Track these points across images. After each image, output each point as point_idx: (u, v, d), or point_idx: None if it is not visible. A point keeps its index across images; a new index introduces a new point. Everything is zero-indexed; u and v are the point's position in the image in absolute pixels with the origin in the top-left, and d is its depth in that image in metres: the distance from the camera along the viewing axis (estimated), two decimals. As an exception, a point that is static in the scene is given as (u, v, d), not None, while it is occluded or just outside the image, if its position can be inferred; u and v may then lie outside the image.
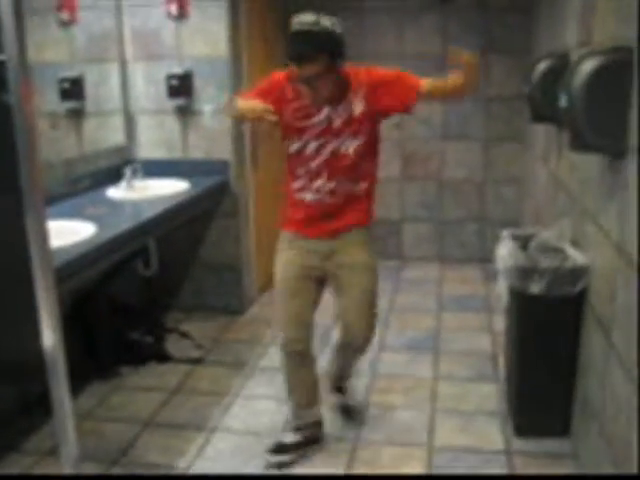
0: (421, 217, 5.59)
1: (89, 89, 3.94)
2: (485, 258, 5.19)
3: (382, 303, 4.66)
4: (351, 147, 2.68)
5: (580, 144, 2.32)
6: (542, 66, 3.29)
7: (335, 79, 2.58)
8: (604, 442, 2.38)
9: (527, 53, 4.95)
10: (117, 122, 4.28)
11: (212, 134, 4.29)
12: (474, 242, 5.53)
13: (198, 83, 4.23)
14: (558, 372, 2.92)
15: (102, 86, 4.15)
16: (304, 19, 2.49)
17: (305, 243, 2.82)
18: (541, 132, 4.29)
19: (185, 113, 4.29)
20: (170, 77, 4.20)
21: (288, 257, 2.83)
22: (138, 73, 4.29)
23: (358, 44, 5.34)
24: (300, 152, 2.72)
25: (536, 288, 2.78)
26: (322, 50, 2.47)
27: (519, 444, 3.00)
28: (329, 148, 2.68)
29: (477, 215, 5.51)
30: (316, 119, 2.66)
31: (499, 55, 5.18)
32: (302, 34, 2.48)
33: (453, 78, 2.72)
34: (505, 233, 3.21)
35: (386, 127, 5.36)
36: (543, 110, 3.30)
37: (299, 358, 2.88)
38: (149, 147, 4.37)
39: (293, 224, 2.84)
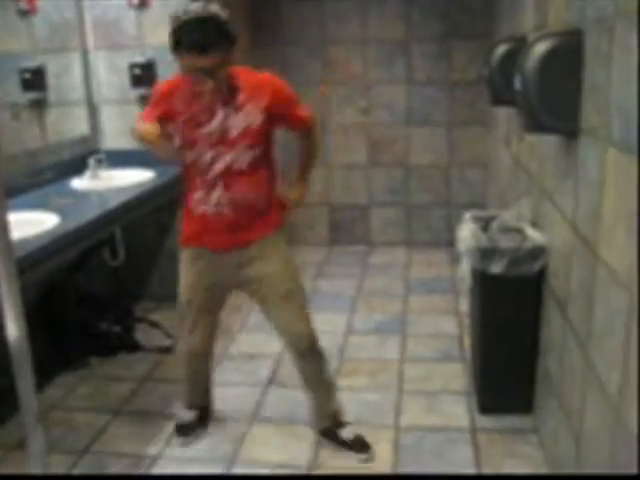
0: (388, 202, 5.64)
1: (51, 79, 3.90)
2: (452, 241, 5.21)
3: (350, 288, 4.74)
4: (247, 160, 2.56)
5: (534, 125, 2.36)
6: (501, 49, 3.33)
7: (227, 77, 2.45)
8: (563, 415, 2.45)
9: (489, 38, 5.00)
10: (80, 112, 4.25)
11: (177, 123, 4.28)
12: (441, 226, 5.59)
13: (161, 71, 4.21)
14: (520, 350, 2.99)
15: (64, 76, 4.12)
16: (194, 7, 2.30)
17: (208, 258, 2.71)
18: (503, 115, 4.35)
19: (148, 102, 4.27)
20: (133, 66, 4.18)
21: (193, 276, 2.75)
22: (100, 63, 4.27)
23: (319, 30, 5.37)
24: (195, 163, 2.59)
25: (497, 268, 2.84)
26: (223, 38, 2.34)
27: (484, 421, 3.06)
28: (223, 160, 2.55)
29: (443, 199, 5.57)
30: (208, 128, 2.52)
31: (461, 40, 5.22)
32: (199, 22, 2.30)
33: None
34: (467, 215, 3.26)
35: (353, 112, 5.45)
36: (502, 93, 3.34)
37: (201, 357, 2.99)
38: (113, 137, 4.35)
39: (195, 239, 2.71)
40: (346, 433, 2.90)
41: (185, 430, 3.03)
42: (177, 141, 2.59)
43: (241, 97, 2.50)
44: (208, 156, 2.55)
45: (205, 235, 2.68)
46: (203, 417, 3.11)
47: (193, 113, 2.52)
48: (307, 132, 2.83)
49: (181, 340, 3.02)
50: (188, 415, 3.07)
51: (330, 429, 2.93)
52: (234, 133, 2.52)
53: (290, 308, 2.75)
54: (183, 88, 2.53)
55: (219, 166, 2.56)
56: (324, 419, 2.95)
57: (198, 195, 2.63)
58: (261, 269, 2.70)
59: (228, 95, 2.49)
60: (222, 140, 2.53)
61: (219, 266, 2.71)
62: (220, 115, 2.51)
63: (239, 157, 2.55)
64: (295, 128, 2.79)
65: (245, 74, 2.56)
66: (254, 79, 2.56)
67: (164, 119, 2.54)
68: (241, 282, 2.75)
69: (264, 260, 2.70)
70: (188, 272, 2.76)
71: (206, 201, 2.61)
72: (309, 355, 2.82)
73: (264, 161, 2.65)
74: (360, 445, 2.86)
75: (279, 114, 2.60)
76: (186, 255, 2.76)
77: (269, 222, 2.72)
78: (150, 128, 2.48)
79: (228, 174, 2.57)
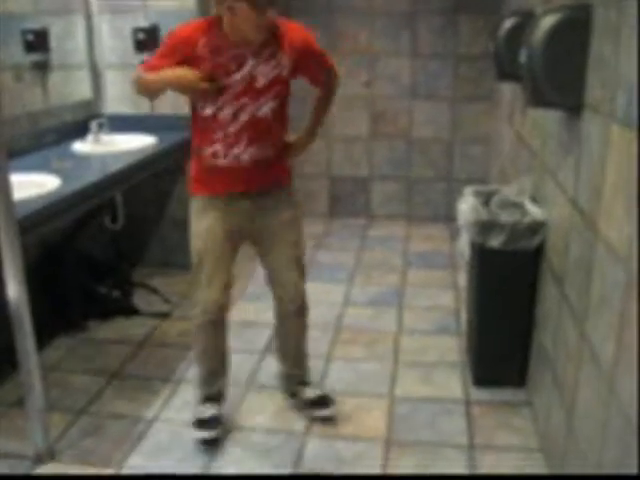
0: (389, 175, 5.63)
1: (54, 41, 3.87)
2: (452, 216, 5.21)
3: (348, 260, 4.76)
4: (270, 110, 2.55)
5: (538, 100, 2.36)
6: (507, 24, 3.30)
7: (269, 22, 2.43)
8: (556, 389, 2.48)
9: (496, 12, 4.95)
10: (83, 76, 4.23)
11: (179, 89, 4.26)
12: (441, 200, 5.59)
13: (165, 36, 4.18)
14: (516, 324, 3.01)
15: (67, 39, 4.09)
16: None
17: (222, 204, 2.64)
18: (507, 91, 4.34)
19: (162, 47, 4.25)
20: (136, 31, 4.15)
21: (208, 223, 2.64)
22: (104, 26, 4.24)
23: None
24: (215, 115, 2.52)
25: (496, 242, 2.85)
26: None
27: (477, 394, 3.09)
28: (248, 111, 2.51)
29: (445, 174, 5.56)
30: (236, 76, 2.46)
31: (468, 14, 5.18)
32: None
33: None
34: (467, 189, 3.26)
35: (356, 84, 5.42)
36: (508, 68, 3.32)
37: (217, 325, 2.76)
38: (116, 102, 4.33)
39: (208, 187, 2.65)
40: (309, 392, 2.94)
41: (208, 425, 2.75)
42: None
43: (272, 46, 2.49)
44: (231, 108, 2.50)
45: (220, 184, 2.63)
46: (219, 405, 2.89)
47: (220, 62, 2.45)
48: (329, 85, 2.82)
49: (195, 305, 2.76)
50: (209, 410, 2.79)
51: (297, 390, 2.98)
52: (261, 82, 2.49)
53: (295, 261, 2.78)
54: (210, 35, 2.46)
55: (243, 118, 2.52)
56: (295, 382, 3.00)
57: (214, 148, 2.57)
58: (274, 219, 2.70)
59: (259, 45, 2.46)
60: (247, 90, 2.49)
61: (234, 212, 2.65)
62: (249, 64, 2.47)
63: (263, 107, 2.53)
64: (319, 80, 2.76)
65: (280, 23, 2.52)
66: (284, 28, 2.53)
67: (184, 66, 2.46)
68: (252, 231, 2.72)
69: (278, 210, 2.71)
70: (203, 220, 2.65)
71: (225, 154, 2.57)
72: (300, 314, 2.87)
73: (283, 112, 2.66)
74: (324, 401, 2.91)
75: (305, 65, 2.61)
76: (199, 204, 2.67)
77: (283, 171, 2.75)
78: (187, 71, 2.43)
79: (252, 126, 2.53)
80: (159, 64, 2.49)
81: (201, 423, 2.75)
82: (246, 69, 2.47)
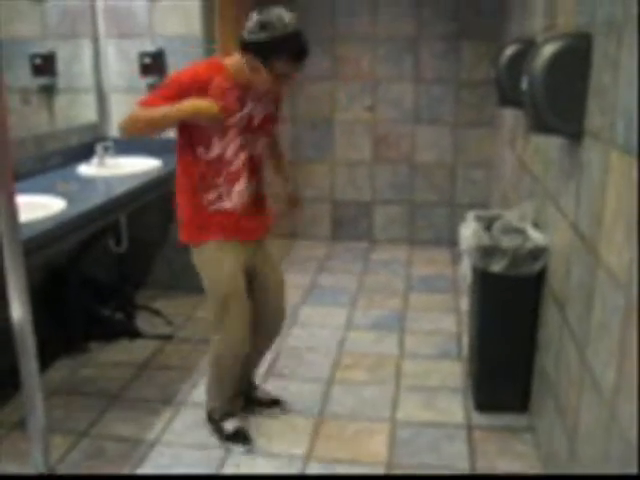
0: (392, 199, 5.66)
1: (61, 65, 3.93)
2: (454, 241, 5.25)
3: (351, 283, 4.77)
4: (261, 146, 2.74)
5: (540, 126, 2.38)
6: (509, 51, 3.34)
7: None
8: (558, 414, 2.48)
9: (498, 39, 5.02)
10: (89, 99, 4.28)
11: (184, 113, 4.30)
12: (444, 225, 5.61)
13: (171, 62, 4.24)
14: (518, 349, 3.01)
15: (74, 63, 4.14)
16: (290, 18, 2.51)
17: (235, 246, 2.73)
18: (509, 117, 4.37)
19: (171, 83, 4.29)
20: (143, 55, 4.20)
21: (230, 268, 2.71)
22: (110, 50, 4.29)
23: (329, 25, 5.39)
24: (221, 156, 2.61)
25: (498, 267, 2.86)
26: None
27: (479, 419, 3.09)
28: (246, 150, 2.65)
29: (447, 198, 5.59)
30: (240, 115, 2.59)
31: (471, 40, 5.24)
32: (301, 33, 2.52)
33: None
34: (469, 214, 3.28)
35: (359, 109, 5.47)
36: (509, 94, 3.36)
37: (243, 357, 2.87)
38: (121, 125, 4.37)
39: (218, 232, 2.69)
40: (260, 393, 3.19)
41: (243, 436, 2.90)
42: (194, 137, 2.61)
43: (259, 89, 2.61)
44: (233, 147, 2.61)
45: (230, 227, 2.70)
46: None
47: (227, 102, 2.54)
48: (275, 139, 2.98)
49: (221, 342, 2.81)
50: (234, 424, 2.93)
51: (252, 385, 3.21)
52: (256, 121, 2.65)
53: (284, 288, 2.99)
54: (221, 76, 2.55)
55: (242, 157, 2.64)
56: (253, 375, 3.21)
57: (218, 191, 2.65)
58: (267, 252, 2.95)
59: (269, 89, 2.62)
60: (246, 129, 2.63)
61: (243, 252, 2.77)
62: (249, 105, 2.62)
63: (258, 145, 2.71)
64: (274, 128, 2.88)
65: None
66: None
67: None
68: (253, 266, 2.85)
69: (267, 245, 2.96)
70: (221, 264, 2.71)
71: (227, 195, 2.67)
72: (279, 331, 3.06)
73: (269, 149, 2.90)
74: (272, 402, 3.16)
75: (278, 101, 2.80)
76: (211, 249, 2.71)
77: (270, 211, 2.93)
78: (201, 100, 2.48)
79: (250, 164, 2.69)
80: (170, 97, 2.52)
81: (229, 437, 2.90)
82: (246, 110, 2.61)
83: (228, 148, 2.61)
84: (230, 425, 2.92)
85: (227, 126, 2.57)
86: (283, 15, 2.48)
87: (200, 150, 2.62)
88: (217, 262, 2.71)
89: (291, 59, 2.47)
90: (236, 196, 2.67)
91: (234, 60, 2.57)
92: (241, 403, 3.09)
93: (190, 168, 2.66)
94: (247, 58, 2.49)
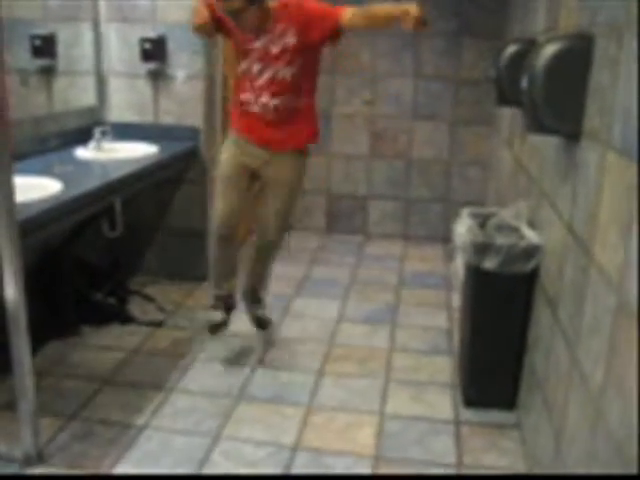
0: (387, 195, 5.67)
1: (61, 48, 3.92)
2: (448, 237, 5.25)
3: (344, 276, 4.78)
4: (288, 74, 3.10)
5: (538, 126, 2.39)
6: (510, 50, 3.35)
7: (257, 13, 2.97)
8: (545, 412, 2.50)
9: (500, 38, 5.02)
10: (88, 83, 4.27)
11: (184, 100, 4.30)
12: (438, 221, 5.63)
13: (171, 48, 4.24)
14: (508, 346, 3.03)
15: (74, 45, 4.13)
16: None
17: (245, 145, 3.27)
18: (507, 116, 4.39)
19: (157, 77, 4.30)
20: (143, 40, 4.19)
21: (230, 154, 3.29)
22: (111, 35, 4.28)
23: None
24: (247, 71, 3.14)
25: (491, 264, 2.88)
26: None
27: (467, 414, 3.11)
28: (269, 71, 3.09)
29: (442, 195, 5.61)
30: (256, 44, 3.07)
31: (472, 38, 5.25)
32: None
33: (388, 9, 3.04)
34: (464, 211, 3.29)
35: (358, 103, 5.47)
36: (509, 93, 3.37)
37: (227, 241, 3.34)
38: (120, 110, 4.37)
39: (238, 127, 3.28)
40: (258, 310, 3.68)
41: (216, 328, 3.46)
42: (234, 49, 3.23)
43: (274, 25, 3.04)
44: (256, 67, 3.11)
45: (247, 128, 3.25)
46: (228, 312, 3.52)
47: (239, 35, 3.10)
48: (351, 19, 3.05)
49: (213, 221, 3.38)
50: (217, 316, 3.44)
51: (257, 299, 3.67)
52: (274, 51, 3.07)
53: (277, 214, 3.35)
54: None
55: (266, 76, 3.11)
56: (257, 289, 3.65)
57: (246, 96, 3.19)
58: (279, 173, 3.29)
59: (261, 28, 3.04)
60: (265, 56, 3.08)
61: (250, 153, 3.27)
62: (261, 40, 3.07)
63: (280, 71, 3.09)
64: (335, 29, 3.08)
65: (277, 4, 3.06)
66: (283, 5, 3.06)
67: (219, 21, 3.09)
68: (259, 172, 3.32)
69: (285, 168, 3.29)
70: (225, 152, 3.33)
71: (254, 102, 3.17)
72: (270, 250, 3.51)
73: (305, 76, 3.17)
74: (262, 323, 3.69)
75: (313, 28, 3.05)
76: (227, 141, 3.36)
77: (302, 136, 3.30)
78: (204, 12, 2.99)
79: (273, 84, 3.11)
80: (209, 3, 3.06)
81: (212, 327, 3.46)
82: (259, 42, 3.07)
83: (252, 67, 3.12)
84: (215, 317, 3.46)
85: (247, 49, 3.10)
86: None
87: (238, 60, 3.20)
88: (225, 148, 3.35)
89: None
90: (261, 106, 3.16)
91: None
92: (228, 290, 3.51)
93: (238, 72, 3.22)
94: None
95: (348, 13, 3.01)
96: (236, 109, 3.30)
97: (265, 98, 3.13)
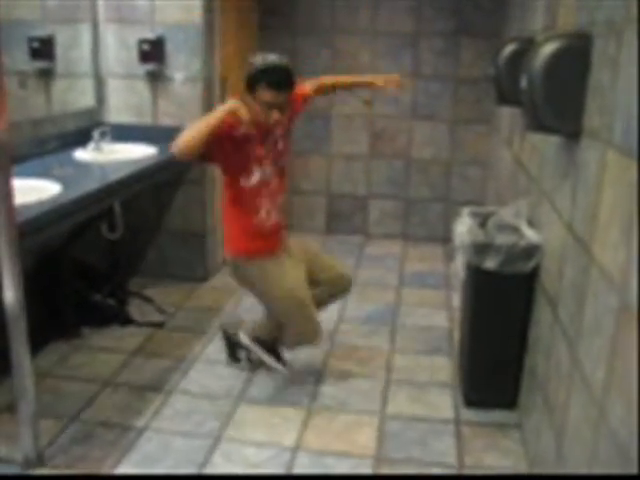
0: (387, 194, 5.67)
1: (59, 49, 3.91)
2: (448, 237, 5.27)
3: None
4: (284, 163, 3.09)
5: (538, 125, 2.39)
6: (508, 49, 3.34)
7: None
8: (546, 411, 2.49)
9: (498, 37, 5.02)
10: (87, 84, 4.26)
11: (182, 101, 4.30)
12: (438, 221, 5.62)
13: (170, 49, 4.23)
14: (509, 346, 3.03)
15: (73, 47, 4.12)
16: (276, 57, 2.84)
17: (280, 257, 3.10)
18: (506, 115, 4.38)
19: (156, 79, 4.29)
20: (142, 42, 4.19)
21: (291, 271, 3.06)
22: (110, 36, 4.27)
23: (330, 19, 5.39)
24: (261, 182, 2.97)
25: (491, 264, 2.87)
26: (291, 82, 2.86)
27: (468, 414, 3.10)
28: (277, 168, 3.03)
29: (442, 194, 5.60)
30: (264, 147, 2.96)
31: (470, 37, 5.24)
32: (282, 68, 2.82)
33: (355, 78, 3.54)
34: (464, 211, 3.29)
35: (357, 103, 5.47)
36: (508, 92, 3.36)
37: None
38: (119, 111, 4.37)
39: (265, 248, 3.05)
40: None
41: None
42: (235, 168, 2.95)
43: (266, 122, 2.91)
44: (269, 171, 2.99)
45: (270, 243, 3.08)
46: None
47: (252, 134, 2.90)
48: (317, 90, 3.30)
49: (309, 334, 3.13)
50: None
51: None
52: (280, 144, 3.03)
53: (328, 257, 3.36)
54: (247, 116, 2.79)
55: (276, 176, 3.03)
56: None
57: (261, 215, 3.01)
58: (293, 247, 3.23)
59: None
60: (277, 154, 3.02)
61: (287, 260, 3.13)
62: (268, 140, 2.97)
63: (279, 162, 3.04)
64: (305, 100, 3.23)
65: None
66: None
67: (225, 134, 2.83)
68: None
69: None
70: (284, 272, 3.05)
71: (270, 214, 3.02)
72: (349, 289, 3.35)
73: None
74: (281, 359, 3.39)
75: (292, 109, 3.07)
76: (263, 263, 3.05)
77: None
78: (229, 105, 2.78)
79: (278, 181, 3.05)
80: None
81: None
82: (267, 143, 2.97)
83: (266, 172, 2.98)
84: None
85: (259, 157, 2.94)
86: (269, 55, 2.86)
87: (240, 180, 2.95)
88: (278, 271, 3.04)
89: (269, 87, 2.77)
90: (275, 212, 3.05)
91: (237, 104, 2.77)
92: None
93: (231, 197, 3.02)
94: (243, 96, 2.85)
95: (310, 88, 3.26)
96: (244, 232, 3.05)
97: (269, 202, 3.02)
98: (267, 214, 3.01)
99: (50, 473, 2.59)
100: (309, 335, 3.11)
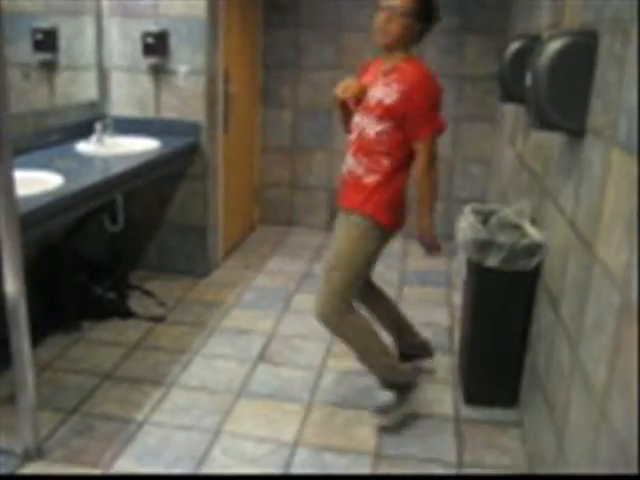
0: (389, 191, 5.64)
1: (63, 42, 3.90)
2: (449, 235, 5.24)
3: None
4: (373, 131, 2.79)
5: (542, 122, 2.38)
6: (514, 46, 3.34)
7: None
8: (547, 410, 2.49)
9: (503, 34, 5.00)
10: (90, 77, 4.25)
11: (186, 95, 4.29)
12: (440, 219, 5.58)
13: (174, 43, 4.22)
14: (510, 344, 3.02)
15: (76, 39, 4.11)
16: None
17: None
18: (510, 112, 4.37)
19: (159, 72, 4.28)
20: (146, 35, 4.18)
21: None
22: (113, 29, 4.27)
23: (335, 15, 5.37)
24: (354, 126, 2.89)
25: (493, 261, 2.86)
26: None
27: (468, 412, 3.10)
28: (360, 125, 2.84)
29: (444, 193, 5.58)
30: (368, 94, 2.82)
31: (474, 35, 5.23)
32: None
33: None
34: (467, 208, 3.28)
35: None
36: (512, 90, 3.36)
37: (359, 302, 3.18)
38: (121, 104, 4.36)
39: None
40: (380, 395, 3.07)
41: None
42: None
43: (392, 73, 2.79)
44: (357, 119, 2.87)
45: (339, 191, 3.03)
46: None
47: (370, 74, 2.92)
48: (418, 150, 2.86)
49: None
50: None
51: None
52: (371, 102, 2.79)
53: (324, 279, 2.90)
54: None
55: (356, 130, 2.86)
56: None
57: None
58: (336, 232, 3.00)
59: (386, 71, 2.83)
60: (365, 106, 2.82)
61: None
62: (378, 84, 2.81)
63: (367, 126, 2.80)
64: (411, 137, 2.82)
65: (408, 63, 2.84)
66: (409, 67, 2.81)
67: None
68: None
69: (342, 228, 2.95)
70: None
71: (344, 160, 2.96)
72: (323, 327, 2.93)
73: (389, 141, 2.80)
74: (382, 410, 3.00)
75: (406, 111, 2.75)
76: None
77: (367, 203, 2.86)
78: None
79: (359, 139, 2.84)
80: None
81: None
82: (372, 90, 2.81)
83: (356, 120, 2.87)
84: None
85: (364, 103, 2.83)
86: None
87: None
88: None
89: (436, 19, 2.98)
90: (347, 163, 2.92)
91: None
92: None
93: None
94: None
95: (422, 145, 2.86)
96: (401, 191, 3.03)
97: (348, 155, 2.98)
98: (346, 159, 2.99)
99: (49, 467, 2.59)
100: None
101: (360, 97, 2.83)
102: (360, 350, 2.96)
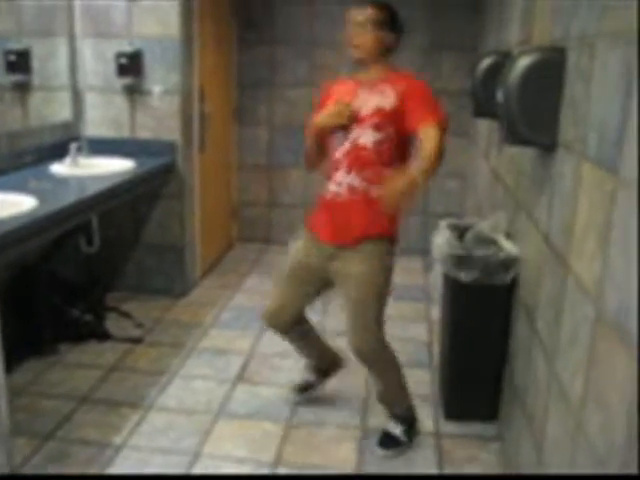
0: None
1: (36, 63, 3.88)
2: (426, 250, 5.24)
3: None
4: (371, 141, 2.67)
5: (514, 137, 2.40)
6: (485, 62, 3.37)
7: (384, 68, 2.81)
8: (526, 423, 2.49)
9: (475, 50, 5.06)
10: (64, 98, 4.24)
11: (160, 115, 4.28)
12: (416, 233, 5.63)
13: (148, 63, 4.22)
14: (488, 359, 3.03)
15: (50, 61, 4.10)
16: None
17: (313, 241, 2.85)
18: (484, 128, 4.41)
19: (134, 92, 4.28)
20: (119, 55, 4.17)
21: (295, 251, 2.90)
22: (87, 50, 4.26)
23: (309, 32, 5.41)
24: (333, 142, 2.79)
25: (469, 276, 2.88)
26: None
27: (448, 427, 3.10)
28: (350, 137, 2.71)
29: (420, 207, 5.61)
30: (356, 105, 2.71)
31: (447, 51, 5.28)
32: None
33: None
34: (442, 223, 3.29)
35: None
36: (485, 106, 3.39)
37: (281, 333, 3.05)
38: (96, 125, 4.34)
39: (311, 222, 2.91)
40: (389, 426, 2.98)
41: (300, 388, 3.26)
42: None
43: (380, 82, 2.72)
44: (341, 134, 2.73)
45: (318, 220, 2.86)
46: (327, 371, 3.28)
47: (340, 93, 2.81)
48: (427, 134, 2.62)
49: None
50: (308, 377, 3.27)
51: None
52: (364, 112, 2.68)
53: (353, 316, 2.78)
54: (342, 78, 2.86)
55: (346, 144, 2.71)
56: (377, 399, 3.05)
57: (332, 177, 2.78)
58: (350, 268, 2.74)
59: (369, 81, 2.76)
60: (356, 117, 2.69)
61: (315, 251, 2.83)
62: (361, 96, 2.72)
63: (362, 136, 2.68)
64: (416, 127, 2.63)
65: (397, 73, 2.78)
66: (400, 74, 2.77)
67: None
68: (328, 273, 2.82)
69: (356, 261, 2.73)
70: (294, 247, 2.92)
71: (329, 182, 2.78)
72: (362, 364, 2.90)
73: (388, 150, 2.70)
74: (384, 441, 2.95)
75: (408, 106, 2.64)
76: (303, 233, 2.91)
77: (377, 222, 2.72)
78: (332, 107, 2.73)
79: (352, 152, 2.70)
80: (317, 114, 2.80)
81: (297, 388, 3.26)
82: (359, 100, 2.72)
83: (337, 135, 2.75)
84: (308, 377, 3.32)
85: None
86: None
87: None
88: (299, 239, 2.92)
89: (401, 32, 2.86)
90: (335, 183, 2.75)
91: None
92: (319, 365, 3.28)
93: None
94: None
95: (430, 129, 2.62)
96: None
97: (339, 175, 2.80)
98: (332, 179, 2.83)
99: (25, 492, 2.55)
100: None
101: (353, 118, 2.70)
102: (391, 382, 2.96)
